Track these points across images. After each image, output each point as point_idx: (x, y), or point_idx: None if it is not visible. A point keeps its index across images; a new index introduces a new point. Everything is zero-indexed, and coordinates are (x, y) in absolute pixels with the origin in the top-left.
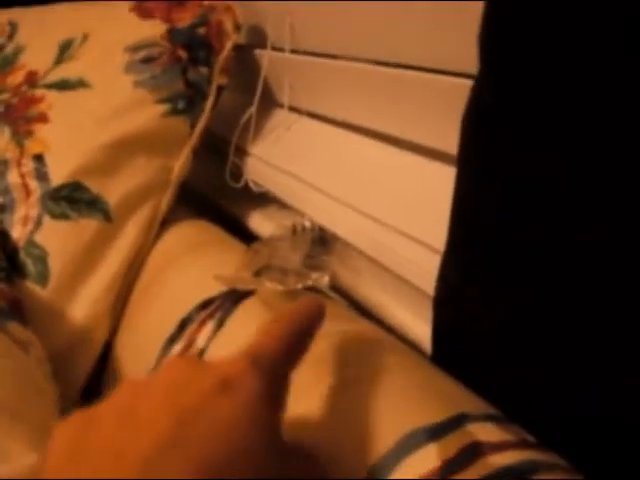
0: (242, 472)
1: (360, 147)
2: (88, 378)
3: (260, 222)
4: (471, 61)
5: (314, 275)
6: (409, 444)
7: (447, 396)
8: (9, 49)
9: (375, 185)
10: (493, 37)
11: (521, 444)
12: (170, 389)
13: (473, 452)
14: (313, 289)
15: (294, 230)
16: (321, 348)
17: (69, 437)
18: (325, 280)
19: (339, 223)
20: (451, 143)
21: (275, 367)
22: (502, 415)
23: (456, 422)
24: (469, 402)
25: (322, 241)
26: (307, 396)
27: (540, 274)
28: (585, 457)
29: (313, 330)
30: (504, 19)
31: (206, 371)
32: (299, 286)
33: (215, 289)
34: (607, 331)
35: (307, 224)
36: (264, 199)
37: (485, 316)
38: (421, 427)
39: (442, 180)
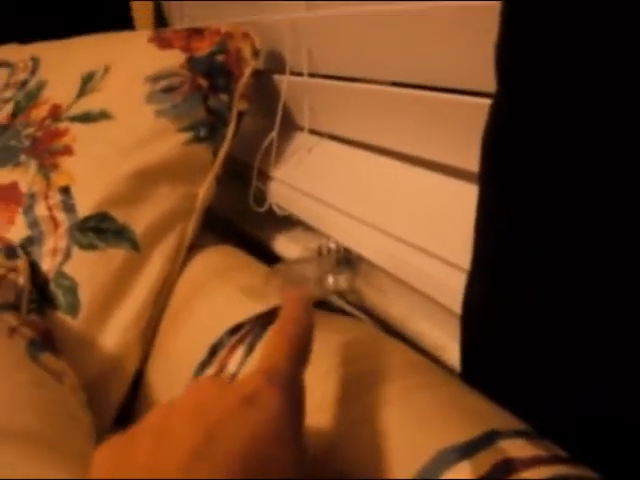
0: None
1: (381, 167)
2: (121, 406)
3: (285, 245)
4: (490, 80)
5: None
6: (442, 462)
7: (477, 413)
8: (32, 84)
9: (398, 205)
10: (509, 56)
11: (552, 459)
12: (197, 408)
13: (505, 469)
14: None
15: (319, 252)
16: (354, 368)
17: (109, 458)
18: (345, 284)
19: (363, 244)
20: (472, 161)
21: (288, 377)
22: (533, 431)
23: (487, 439)
24: (499, 419)
25: (347, 262)
26: (340, 418)
27: (566, 292)
28: (621, 471)
29: (311, 322)
30: (520, 39)
31: (229, 390)
32: (318, 295)
33: (243, 314)
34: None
35: (332, 246)
36: (288, 222)
37: (513, 333)
38: (453, 445)
39: (464, 198)
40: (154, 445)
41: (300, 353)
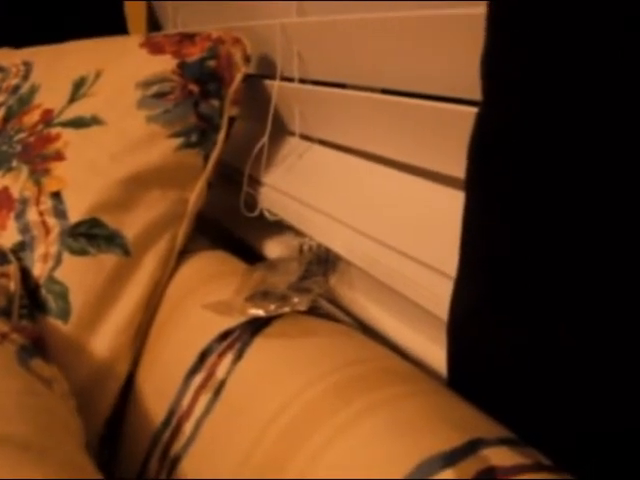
0: None
1: (371, 173)
2: (112, 410)
3: (276, 250)
4: (479, 88)
5: (295, 299)
6: (425, 471)
7: (462, 421)
8: (24, 89)
9: (387, 211)
10: (494, 66)
11: (535, 467)
12: None
13: (488, 477)
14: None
15: (300, 250)
16: (339, 377)
17: None
18: (305, 304)
19: (353, 250)
20: (460, 168)
21: None
22: (517, 438)
23: (471, 447)
24: (484, 426)
25: (324, 261)
26: (326, 425)
27: (555, 297)
28: (602, 477)
29: None
30: (504, 49)
31: None
32: (278, 312)
33: (233, 320)
34: (622, 349)
35: (313, 244)
36: (279, 227)
37: (501, 341)
38: (437, 453)
39: (452, 205)
40: None
41: None
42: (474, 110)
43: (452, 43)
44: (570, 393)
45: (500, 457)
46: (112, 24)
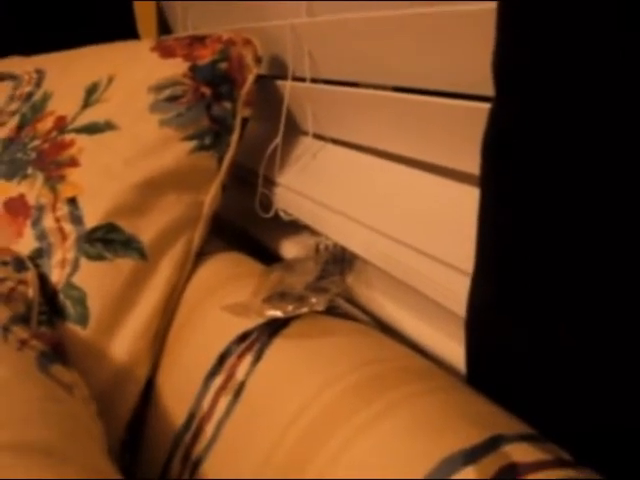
0: None
1: (386, 171)
2: (133, 414)
3: (292, 250)
4: (491, 84)
5: (313, 300)
6: (447, 468)
7: (483, 417)
8: (37, 96)
9: (402, 208)
10: (506, 61)
11: (557, 463)
12: None
13: (510, 473)
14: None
15: (317, 250)
16: (358, 376)
17: None
18: (323, 304)
19: (369, 248)
20: (473, 164)
21: None
22: (538, 434)
23: (492, 444)
24: (504, 423)
25: (340, 260)
26: (345, 425)
27: (570, 294)
28: (625, 473)
29: None
30: (516, 44)
31: None
32: (296, 312)
33: (252, 321)
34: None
35: (329, 243)
36: (295, 227)
37: (517, 337)
38: (457, 451)
39: (466, 201)
40: None
41: None
42: (486, 106)
43: (463, 39)
44: (588, 388)
45: (521, 453)
46: (122, 26)
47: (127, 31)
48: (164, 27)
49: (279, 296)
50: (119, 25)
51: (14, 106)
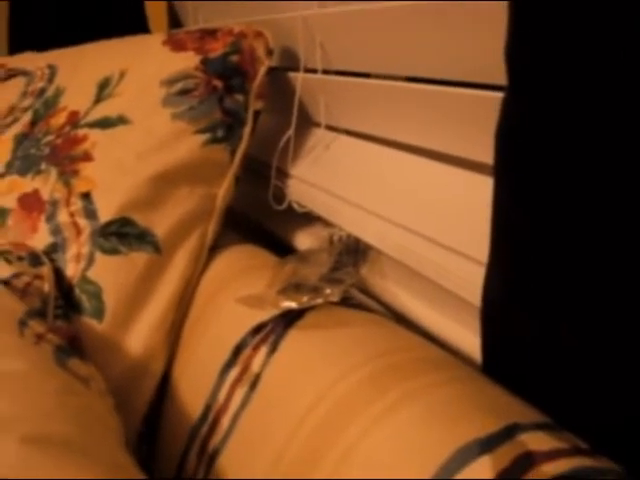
0: None
1: (399, 162)
2: (149, 407)
3: (306, 241)
4: (503, 73)
5: (327, 291)
6: (463, 457)
7: (498, 407)
8: (50, 92)
9: (416, 198)
10: (518, 51)
11: (573, 451)
12: None
13: (526, 462)
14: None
15: (330, 241)
16: (373, 367)
17: None
18: (337, 295)
19: (384, 239)
20: (487, 154)
21: None
22: (553, 423)
23: (508, 432)
24: (520, 412)
25: (354, 251)
26: (361, 415)
27: (585, 281)
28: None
29: None
30: (529, 33)
31: None
32: (311, 303)
33: (266, 313)
34: None
35: (343, 234)
36: (308, 218)
37: (532, 327)
38: (473, 440)
39: (480, 191)
40: None
41: None
42: (499, 95)
43: (475, 28)
44: (603, 377)
45: (537, 442)
46: (134, 23)
47: (138, 26)
48: (175, 22)
49: (294, 287)
50: (130, 20)
51: (27, 102)
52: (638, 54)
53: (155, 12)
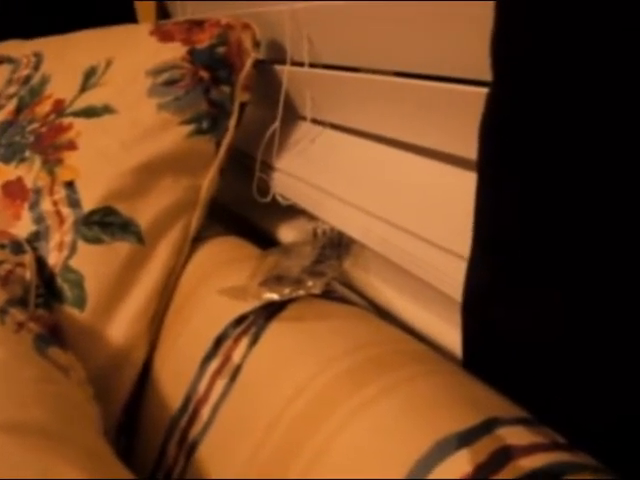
0: None
1: (383, 156)
2: (129, 397)
3: (289, 234)
4: (489, 69)
5: (309, 283)
6: (441, 451)
7: (477, 401)
8: (35, 80)
9: (400, 193)
10: (504, 46)
11: (551, 446)
12: None
13: (504, 456)
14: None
15: (314, 234)
16: (354, 359)
17: None
18: (319, 288)
19: (367, 233)
20: (472, 150)
21: None
22: (532, 418)
23: (486, 427)
24: (499, 406)
25: (337, 244)
26: (341, 407)
27: (566, 277)
28: (621, 457)
29: None
30: (514, 28)
31: None
32: (293, 295)
33: (248, 305)
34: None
35: (326, 227)
36: (292, 211)
37: (513, 320)
38: (452, 433)
39: (464, 186)
40: None
41: None
42: (485, 91)
43: (463, 24)
44: (582, 372)
45: (516, 436)
46: (121, 11)
47: (126, 16)
48: (164, 14)
49: (276, 279)
50: (118, 10)
51: (12, 89)
52: (620, 48)
53: (143, 4)
